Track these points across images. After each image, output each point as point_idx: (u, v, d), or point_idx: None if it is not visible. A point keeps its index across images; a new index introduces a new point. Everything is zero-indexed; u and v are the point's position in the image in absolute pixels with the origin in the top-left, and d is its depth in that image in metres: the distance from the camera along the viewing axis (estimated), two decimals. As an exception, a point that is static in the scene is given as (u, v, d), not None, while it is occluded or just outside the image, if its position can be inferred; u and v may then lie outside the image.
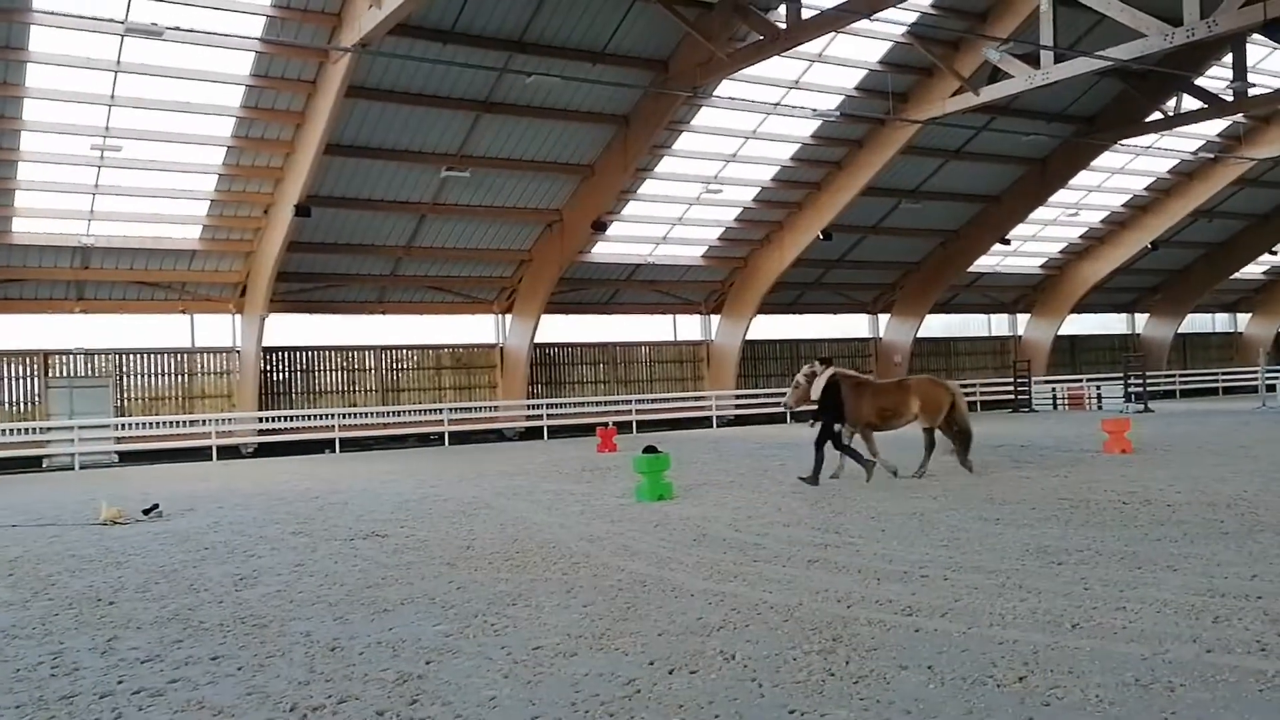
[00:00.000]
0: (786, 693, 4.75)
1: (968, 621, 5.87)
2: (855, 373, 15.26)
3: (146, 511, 12.83)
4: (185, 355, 26.38)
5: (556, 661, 5.47)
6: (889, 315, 37.01)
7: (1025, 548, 8.14)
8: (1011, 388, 36.00)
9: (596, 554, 8.78)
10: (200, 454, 24.80)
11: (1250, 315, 47.19)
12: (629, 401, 31.26)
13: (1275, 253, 42.38)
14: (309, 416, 27.02)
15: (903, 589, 6.81)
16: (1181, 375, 42.53)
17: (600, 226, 27.52)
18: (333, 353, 28.32)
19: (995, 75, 24.30)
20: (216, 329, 26.73)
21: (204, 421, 25.42)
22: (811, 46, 23.31)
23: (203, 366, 26.53)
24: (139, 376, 25.86)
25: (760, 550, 8.60)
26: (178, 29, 17.69)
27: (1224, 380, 43.27)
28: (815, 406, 13.96)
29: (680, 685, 4.95)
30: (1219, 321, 47.41)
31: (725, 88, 24.36)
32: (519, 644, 5.86)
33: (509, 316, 30.16)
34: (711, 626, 6.05)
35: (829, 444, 13.59)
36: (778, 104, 25.63)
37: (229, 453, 25.25)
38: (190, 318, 26.37)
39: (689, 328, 34.01)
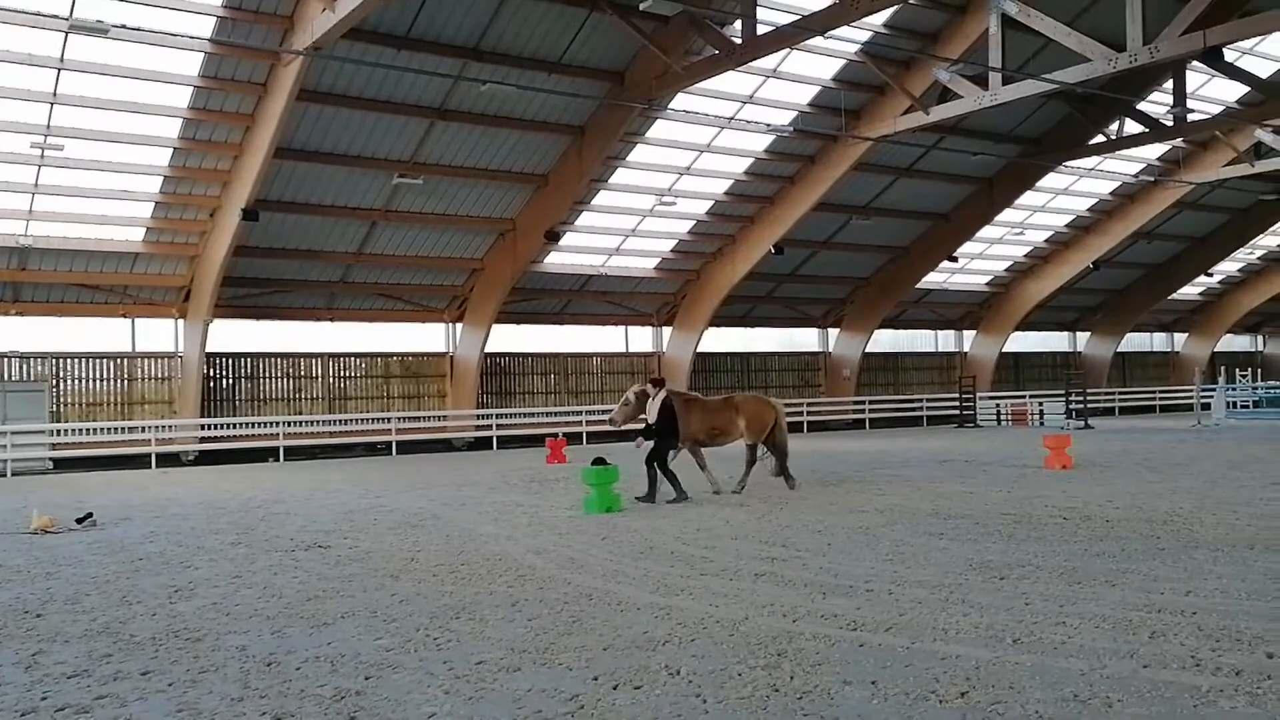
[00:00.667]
0: (731, 709, 4.72)
1: (911, 636, 5.89)
2: (685, 391, 15.43)
3: (80, 520, 12.51)
4: (125, 360, 25.83)
5: (499, 677, 5.40)
6: (839, 330, 37.33)
7: (969, 562, 8.20)
8: (957, 403, 36.46)
9: (543, 566, 8.71)
10: (139, 461, 24.29)
11: (1187, 335, 48.30)
12: (579, 413, 31.15)
13: (1211, 275, 43.46)
14: (253, 424, 26.59)
15: (848, 603, 6.83)
16: (1120, 393, 43.40)
17: (553, 236, 27.45)
18: (278, 359, 27.92)
19: (945, 95, 24.67)
20: (158, 334, 26.21)
21: (143, 428, 24.90)
22: (766, 62, 23.49)
23: (143, 372, 26.00)
24: (76, 381, 25.28)
25: (707, 563, 8.58)
26: (124, 27, 17.34)
27: (1161, 399, 44.21)
28: (643, 425, 13.74)
29: (624, 701, 4.90)
30: (1157, 341, 48.47)
31: (680, 101, 24.45)
32: (461, 659, 5.78)
33: (459, 325, 29.95)
34: (657, 641, 6.01)
35: (656, 463, 13.39)
36: (732, 118, 25.78)
37: (169, 460, 24.75)
38: (131, 322, 25.85)
39: (640, 339, 34.02)
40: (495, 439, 29.37)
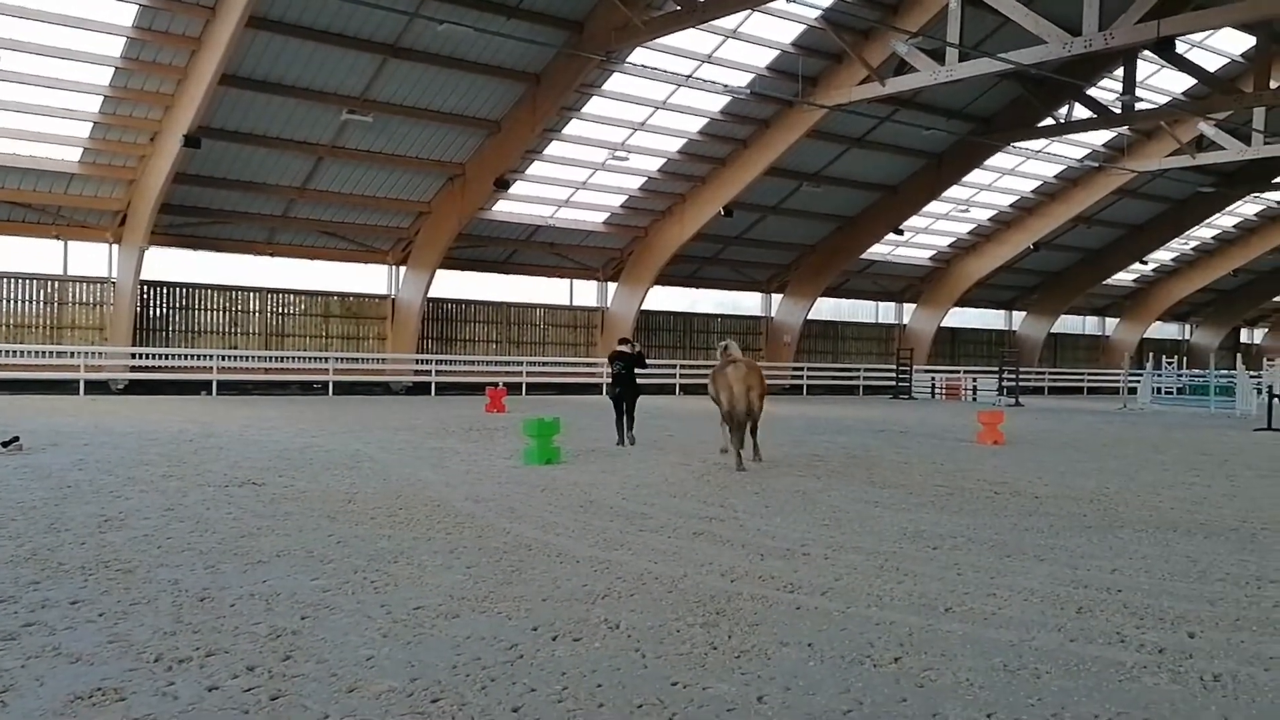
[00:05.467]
0: (669, 664, 4.76)
1: (846, 601, 5.99)
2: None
3: (5, 444, 12.19)
4: (56, 283, 25.14)
5: (438, 623, 5.38)
6: (782, 295, 37.57)
7: (903, 531, 8.35)
8: (894, 375, 37.01)
9: (482, 515, 8.69)
10: (67, 387, 23.73)
11: (1118, 320, 49.46)
12: (520, 363, 31.05)
13: (1145, 263, 44.49)
14: (186, 356, 26.08)
15: (785, 566, 6.91)
16: (1051, 373, 44.40)
17: (503, 184, 27.17)
18: (215, 292, 27.38)
19: (902, 68, 24.77)
20: (91, 258, 25.56)
21: (73, 354, 24.30)
22: (727, 22, 23.36)
23: (74, 296, 25.33)
24: (3, 301, 24.54)
25: (646, 520, 8.62)
26: (67, -63, 16.68)
27: (1089, 381, 45.32)
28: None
29: (563, 652, 4.92)
30: (1089, 324, 49.60)
31: (639, 55, 24.25)
32: (399, 603, 5.75)
33: (403, 268, 29.59)
34: (596, 594, 6.03)
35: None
36: (689, 76, 25.62)
37: (98, 388, 24.22)
38: (64, 244, 25.12)
39: (585, 293, 33.93)
40: (434, 385, 29.17)
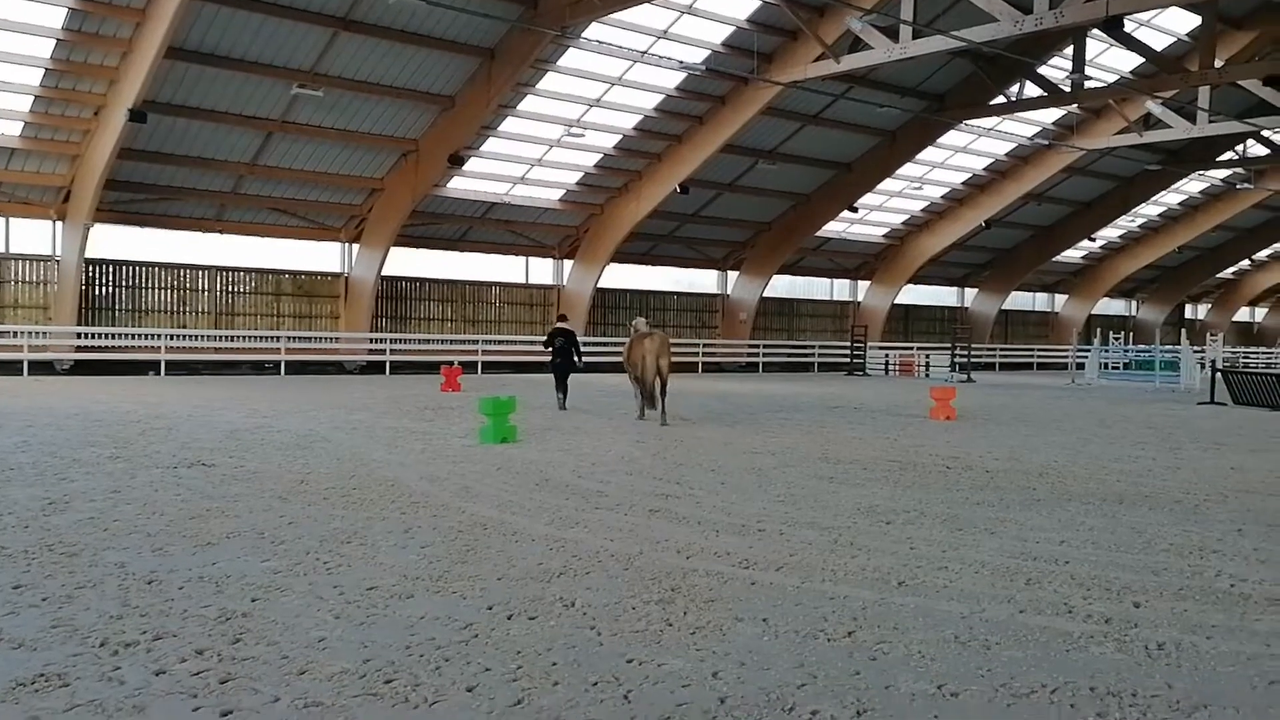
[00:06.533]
0: (625, 641, 4.77)
1: (801, 576, 6.03)
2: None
3: (-55, 427, 11.91)
4: (-4, 261, 24.55)
5: (391, 603, 5.34)
6: (738, 273, 37.65)
7: (856, 506, 8.42)
8: (848, 351, 37.28)
9: (437, 494, 8.64)
10: (10, 368, 23.22)
11: (1067, 297, 50.21)
12: (476, 341, 30.87)
13: (1094, 239, 45.16)
14: (133, 335, 25.61)
15: (740, 542, 6.95)
16: (1002, 349, 45.00)
17: (457, 160, 26.90)
18: (163, 270, 26.89)
19: (856, 45, 24.82)
20: (34, 235, 24.97)
21: (15, 334, 23.76)
22: (682, -3, 23.21)
23: (16, 274, 24.76)
24: (-59, 280, 23.94)
25: (602, 498, 8.62)
26: (3, -97, 16.17)
27: (1039, 356, 46.00)
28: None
29: (519, 631, 4.91)
30: (1039, 300, 50.29)
31: (594, 30, 24.05)
32: (352, 584, 5.70)
33: (356, 246, 29.24)
34: (552, 573, 6.02)
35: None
36: (645, 52, 25.48)
37: (42, 368, 23.71)
38: (5, 221, 24.52)
39: (541, 271, 33.77)
40: (389, 364, 28.93)
